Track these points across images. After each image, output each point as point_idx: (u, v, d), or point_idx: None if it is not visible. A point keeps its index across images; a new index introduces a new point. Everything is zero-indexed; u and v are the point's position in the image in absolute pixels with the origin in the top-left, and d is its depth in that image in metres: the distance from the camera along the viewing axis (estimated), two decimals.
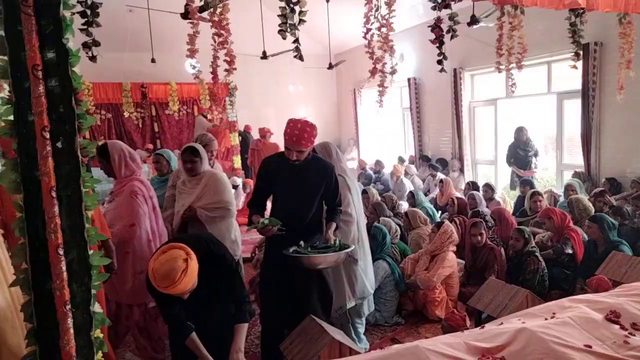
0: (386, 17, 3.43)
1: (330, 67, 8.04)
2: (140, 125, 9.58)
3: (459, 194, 6.28)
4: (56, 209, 1.36)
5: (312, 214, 2.94)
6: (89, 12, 3.15)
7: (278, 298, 2.92)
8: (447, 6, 3.30)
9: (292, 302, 2.86)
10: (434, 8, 3.26)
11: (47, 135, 1.38)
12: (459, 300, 4.04)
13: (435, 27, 3.60)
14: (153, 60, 7.26)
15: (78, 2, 3.10)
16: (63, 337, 1.30)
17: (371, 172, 9.30)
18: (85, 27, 3.18)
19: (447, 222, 4.26)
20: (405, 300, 4.09)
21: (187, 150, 3.36)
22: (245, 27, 6.06)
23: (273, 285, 2.94)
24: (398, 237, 4.47)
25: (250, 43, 6.53)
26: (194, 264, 2.07)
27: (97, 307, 1.41)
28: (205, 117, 9.50)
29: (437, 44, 3.64)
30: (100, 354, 1.40)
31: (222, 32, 3.57)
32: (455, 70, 7.93)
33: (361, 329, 3.41)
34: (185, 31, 3.62)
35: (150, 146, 9.29)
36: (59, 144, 1.42)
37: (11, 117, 1.39)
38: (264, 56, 6.62)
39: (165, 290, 2.02)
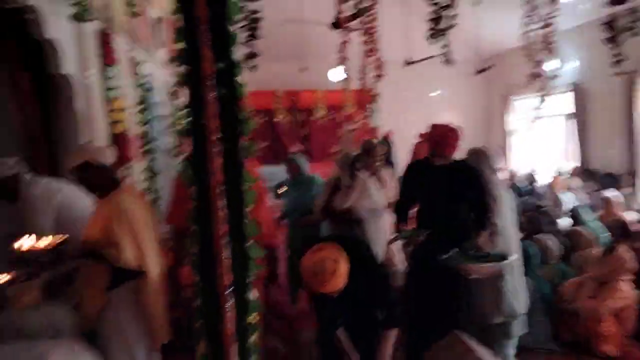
0: (548, 15, 3.14)
1: (479, 72, 7.64)
2: (290, 130, 10.30)
3: (636, 215, 5.42)
4: (221, 202, 1.52)
5: (458, 219, 2.83)
6: (253, 25, 3.49)
7: (423, 305, 2.86)
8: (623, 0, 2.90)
9: (437, 309, 2.77)
10: (612, 3, 2.88)
11: (216, 137, 1.55)
12: (635, 339, 3.45)
13: (610, 24, 3.18)
14: (303, 69, 7.72)
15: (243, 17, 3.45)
16: (224, 318, 1.45)
17: (522, 184, 8.56)
18: (249, 39, 3.52)
19: (622, 246, 3.69)
20: (562, 328, 3.65)
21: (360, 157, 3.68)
22: (387, 34, 6.09)
23: (418, 291, 2.89)
24: (556, 257, 4.02)
25: (391, 49, 6.53)
26: (343, 266, 2.12)
27: (252, 295, 1.54)
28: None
29: (611, 44, 3.21)
30: (254, 337, 1.53)
31: (371, 39, 3.64)
32: (629, 74, 6.87)
33: (510, 351, 3.14)
34: (331, 41, 3.76)
35: (302, 147, 9.92)
36: (225, 145, 1.58)
37: (190, 120, 1.59)
38: (409, 62, 6.56)
39: (314, 288, 2.11)
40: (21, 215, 2.57)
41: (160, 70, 5.40)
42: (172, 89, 5.76)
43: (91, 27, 3.40)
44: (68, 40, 3.15)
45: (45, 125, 3.34)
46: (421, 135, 9.05)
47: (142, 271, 2.39)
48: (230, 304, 1.47)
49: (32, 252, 2.27)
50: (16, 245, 2.31)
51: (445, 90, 11.63)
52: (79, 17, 2.90)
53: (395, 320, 2.39)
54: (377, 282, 2.42)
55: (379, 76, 3.66)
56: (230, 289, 1.47)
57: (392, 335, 2.35)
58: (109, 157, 2.52)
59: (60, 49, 3.04)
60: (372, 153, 4.05)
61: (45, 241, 2.34)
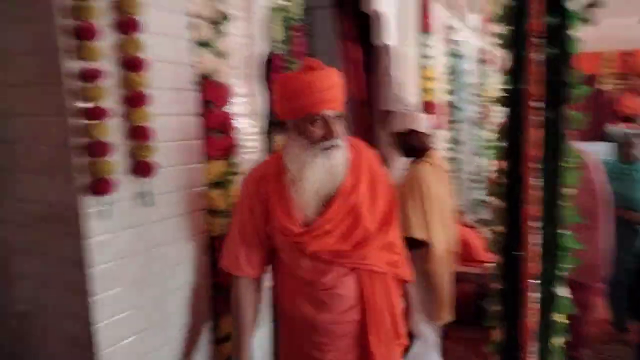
0: None
1: None
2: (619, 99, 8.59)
3: None
4: (535, 180, 1.33)
5: None
6: None
7: None
8: None
9: None
10: None
11: (536, 105, 1.35)
12: None
13: None
14: None
15: None
16: (524, 308, 1.29)
17: None
18: None
19: None
20: None
21: None
22: None
23: None
24: None
25: None
26: None
27: (562, 291, 1.31)
28: None
29: None
30: (559, 340, 1.31)
31: None
32: None
33: None
34: None
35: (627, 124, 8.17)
36: (547, 114, 1.36)
37: (508, 86, 1.43)
38: None
39: None
40: None
41: (472, 37, 5.24)
42: (482, 56, 5.53)
43: None
44: (392, 11, 3.35)
45: (368, 92, 3.69)
46: None
47: (426, 242, 2.36)
48: (534, 296, 1.29)
49: None
50: None
51: None
52: None
53: None
54: None
55: None
56: (537, 280, 1.28)
57: None
58: (427, 125, 2.59)
59: (385, 20, 3.25)
60: None
61: None
